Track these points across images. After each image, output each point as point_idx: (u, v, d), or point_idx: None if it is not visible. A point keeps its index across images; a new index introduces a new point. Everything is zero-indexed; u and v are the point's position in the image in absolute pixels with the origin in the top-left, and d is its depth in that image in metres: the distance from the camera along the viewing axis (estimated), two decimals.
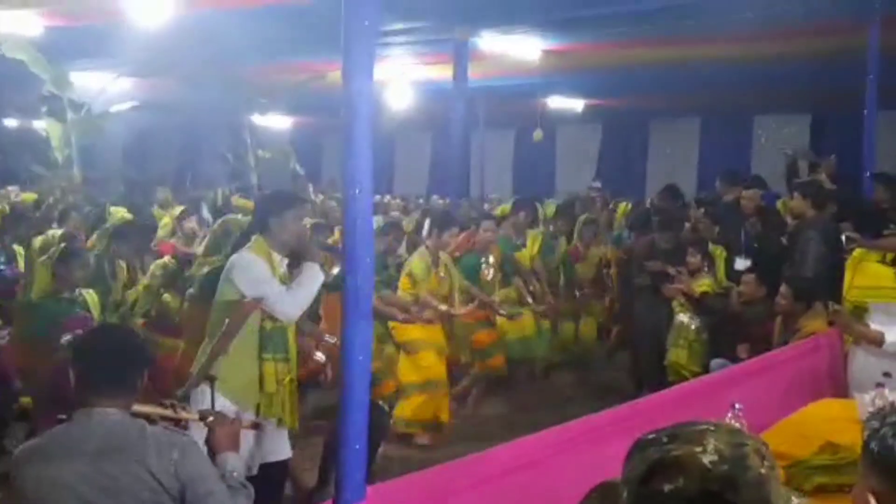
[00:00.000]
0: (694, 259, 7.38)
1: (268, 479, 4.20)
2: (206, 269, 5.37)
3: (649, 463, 1.51)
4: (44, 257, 5.75)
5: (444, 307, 6.86)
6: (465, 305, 7.19)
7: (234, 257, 4.45)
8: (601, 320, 9.34)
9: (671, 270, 7.33)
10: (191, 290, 5.45)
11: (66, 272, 5.48)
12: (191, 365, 4.47)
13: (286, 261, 4.51)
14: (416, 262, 6.92)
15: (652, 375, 7.79)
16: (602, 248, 9.27)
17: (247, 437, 4.10)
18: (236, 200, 9.60)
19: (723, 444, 1.50)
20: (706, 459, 1.47)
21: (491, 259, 7.70)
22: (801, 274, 6.58)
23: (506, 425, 7.38)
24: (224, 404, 4.03)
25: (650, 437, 1.57)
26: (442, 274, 7.04)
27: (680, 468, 1.47)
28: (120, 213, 7.64)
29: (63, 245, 5.78)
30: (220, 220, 6.42)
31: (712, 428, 1.54)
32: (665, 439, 1.53)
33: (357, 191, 2.69)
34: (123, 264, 6.62)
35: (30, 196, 8.95)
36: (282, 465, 4.52)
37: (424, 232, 7.42)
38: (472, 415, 7.84)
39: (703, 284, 7.26)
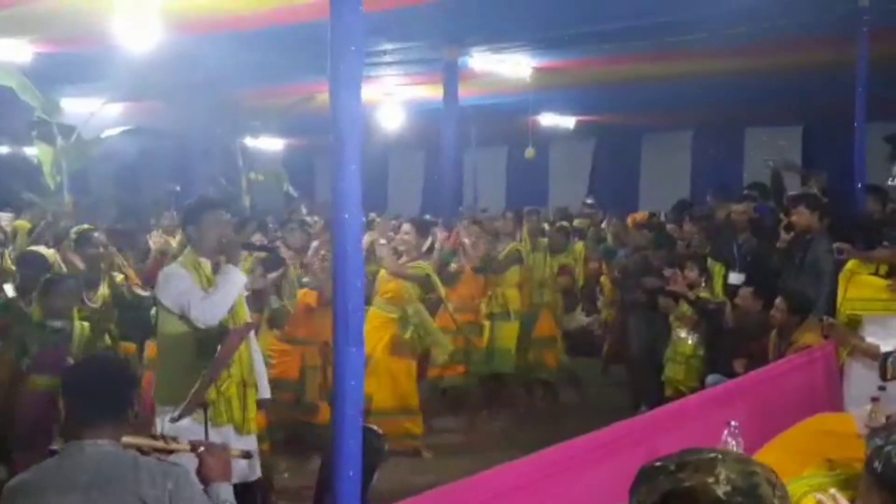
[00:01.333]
0: (692, 273, 7.39)
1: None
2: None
3: (661, 493, 1.49)
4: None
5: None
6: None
7: (160, 274, 4.50)
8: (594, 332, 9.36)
9: (666, 272, 7.34)
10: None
11: (49, 301, 5.47)
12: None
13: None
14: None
15: (649, 392, 7.79)
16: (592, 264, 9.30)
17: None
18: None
19: (734, 474, 1.49)
20: (720, 491, 1.46)
21: (465, 264, 7.82)
22: (818, 287, 6.54)
23: (504, 441, 7.40)
24: (183, 424, 4.04)
25: (657, 464, 1.54)
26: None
27: (693, 499, 1.46)
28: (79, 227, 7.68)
29: (48, 276, 5.75)
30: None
31: (720, 456, 1.53)
32: (673, 467, 1.51)
33: (346, 215, 2.69)
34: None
35: (24, 224, 8.91)
36: (249, 488, 4.49)
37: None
38: (468, 430, 7.84)
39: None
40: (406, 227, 7.37)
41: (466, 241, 7.80)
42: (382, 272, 7.12)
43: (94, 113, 12.03)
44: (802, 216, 6.99)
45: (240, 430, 4.47)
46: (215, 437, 4.00)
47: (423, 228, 7.52)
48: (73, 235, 7.24)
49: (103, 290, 6.56)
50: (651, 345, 7.74)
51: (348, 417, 2.69)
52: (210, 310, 4.32)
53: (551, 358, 8.67)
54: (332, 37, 2.61)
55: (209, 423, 4.15)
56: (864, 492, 1.81)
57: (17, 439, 5.21)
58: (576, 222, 12.08)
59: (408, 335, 6.96)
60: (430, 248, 7.61)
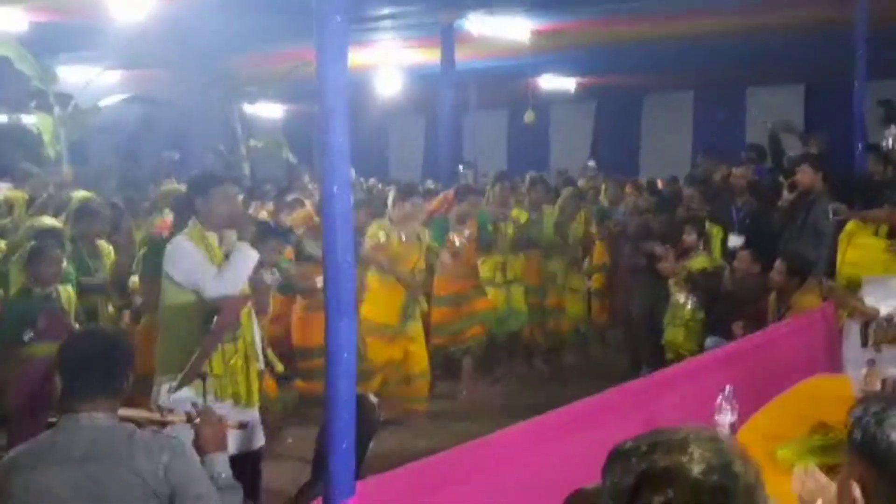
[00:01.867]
0: (690, 237, 7.39)
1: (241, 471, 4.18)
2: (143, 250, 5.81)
3: (636, 474, 1.49)
4: (16, 256, 5.79)
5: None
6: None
7: (168, 246, 4.46)
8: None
9: (658, 250, 7.34)
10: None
11: (37, 270, 5.50)
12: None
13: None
14: (372, 230, 7.03)
15: (650, 355, 7.82)
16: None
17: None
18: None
19: (709, 453, 1.49)
20: (695, 470, 1.47)
21: (466, 232, 7.74)
22: (818, 248, 6.53)
23: (504, 405, 7.45)
24: (183, 394, 4.08)
25: (628, 446, 1.55)
26: (404, 240, 7.12)
27: (669, 480, 1.46)
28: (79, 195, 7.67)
29: (33, 244, 5.78)
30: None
31: (692, 435, 1.53)
32: (645, 448, 1.52)
33: (336, 188, 2.67)
34: (108, 245, 6.72)
35: (20, 194, 8.88)
36: (254, 456, 4.52)
37: (389, 203, 7.44)
38: (467, 396, 7.88)
39: (698, 262, 7.27)
40: (414, 199, 7.34)
41: (456, 241, 7.73)
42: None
43: (91, 81, 11.99)
44: (806, 175, 6.95)
45: (242, 401, 4.51)
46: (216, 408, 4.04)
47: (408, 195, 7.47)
48: (74, 205, 7.24)
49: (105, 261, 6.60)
50: (651, 308, 7.75)
51: (341, 389, 2.69)
52: (224, 288, 4.35)
53: (564, 324, 8.69)
54: (317, 7, 2.58)
55: (213, 396, 4.19)
56: (847, 462, 1.83)
57: (17, 408, 5.26)
58: (580, 183, 12.00)
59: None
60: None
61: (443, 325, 7.72)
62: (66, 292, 5.73)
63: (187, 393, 4.08)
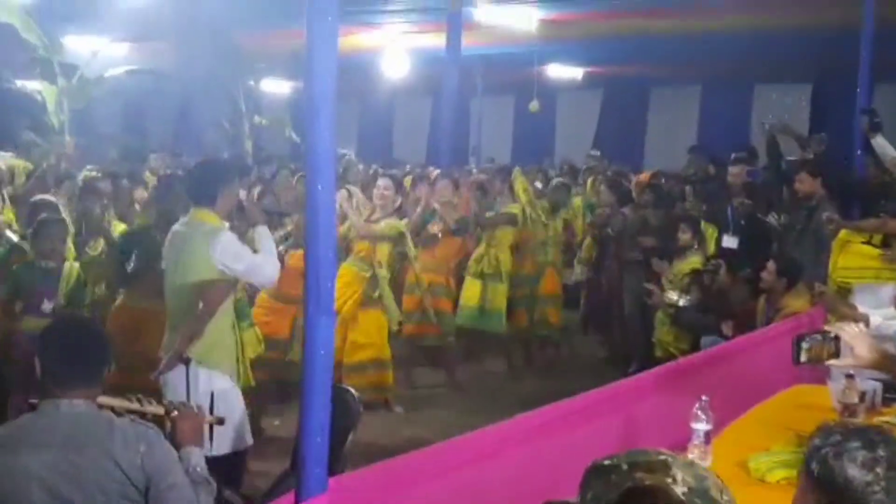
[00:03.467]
0: (685, 235, 7.40)
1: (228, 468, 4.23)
2: None
3: (621, 491, 1.53)
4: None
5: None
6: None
7: (217, 240, 4.34)
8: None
9: (654, 264, 7.38)
10: None
11: (39, 243, 5.52)
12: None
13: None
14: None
15: (641, 351, 7.85)
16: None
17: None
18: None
19: (689, 476, 1.55)
20: (678, 490, 1.51)
21: (438, 225, 7.74)
22: (818, 255, 6.52)
23: (483, 398, 7.49)
24: (210, 375, 4.14)
25: (606, 462, 1.59)
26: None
27: (654, 498, 1.51)
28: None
29: (41, 217, 5.79)
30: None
31: (671, 459, 1.57)
32: (626, 466, 1.56)
33: (320, 186, 2.69)
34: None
35: (20, 163, 8.91)
36: (242, 453, 4.56)
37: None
38: (446, 385, 7.91)
39: (692, 262, 7.28)
40: (384, 182, 7.28)
41: (436, 205, 7.69)
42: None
43: (97, 52, 11.97)
44: (805, 183, 6.93)
45: (240, 382, 4.61)
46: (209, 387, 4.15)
47: (398, 185, 7.50)
48: (79, 183, 7.27)
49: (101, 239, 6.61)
50: (643, 305, 7.77)
51: (317, 386, 2.72)
52: (272, 270, 4.51)
53: (554, 315, 8.66)
54: (309, 7, 2.59)
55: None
56: (800, 490, 1.85)
57: (16, 382, 5.29)
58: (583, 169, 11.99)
59: (376, 294, 7.00)
60: (401, 206, 7.60)
61: (411, 312, 7.73)
62: (71, 269, 5.69)
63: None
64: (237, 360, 4.59)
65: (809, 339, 2.71)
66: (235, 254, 4.35)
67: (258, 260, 4.43)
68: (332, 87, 2.63)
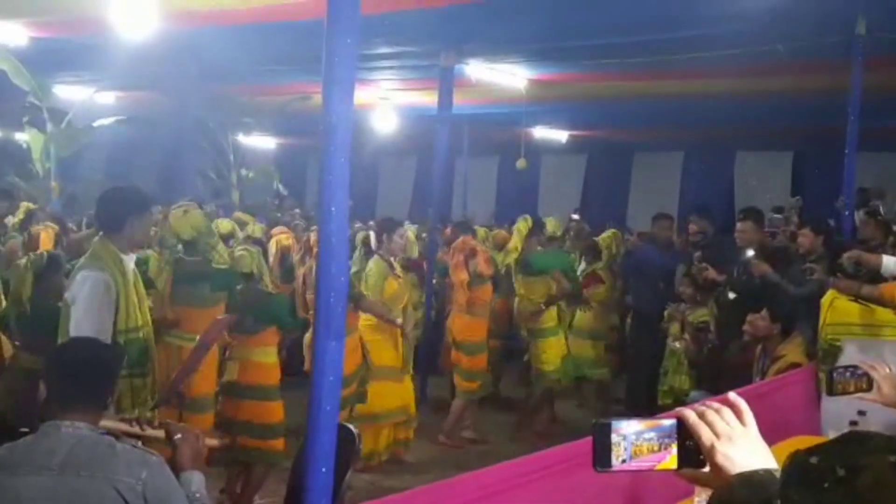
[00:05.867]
0: (688, 290, 7.43)
1: None
2: None
3: None
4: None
5: (399, 320, 6.91)
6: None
7: (79, 270, 4.09)
8: None
9: (670, 312, 7.41)
10: None
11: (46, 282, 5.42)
12: None
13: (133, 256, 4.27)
14: (373, 269, 6.90)
15: (641, 399, 7.83)
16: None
17: None
18: (238, 215, 9.50)
19: None
20: None
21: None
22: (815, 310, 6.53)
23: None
24: None
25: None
26: (399, 279, 7.08)
27: None
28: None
29: (49, 254, 5.70)
30: None
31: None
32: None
33: (333, 208, 2.67)
34: None
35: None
36: None
37: (373, 242, 7.37)
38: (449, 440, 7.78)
39: (700, 315, 7.30)
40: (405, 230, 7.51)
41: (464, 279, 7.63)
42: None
43: (87, 100, 12.00)
44: (807, 238, 6.99)
45: None
46: None
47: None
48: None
49: None
50: (650, 353, 7.80)
51: (324, 413, 2.67)
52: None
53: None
54: (329, 27, 2.60)
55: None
56: None
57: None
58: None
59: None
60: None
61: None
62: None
63: None
64: None
65: (841, 373, 2.76)
66: (76, 296, 4.00)
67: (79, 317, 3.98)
68: (349, 105, 2.64)
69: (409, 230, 9.38)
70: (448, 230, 8.92)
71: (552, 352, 7.86)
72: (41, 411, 2.68)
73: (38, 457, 2.56)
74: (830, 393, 2.76)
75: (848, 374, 2.70)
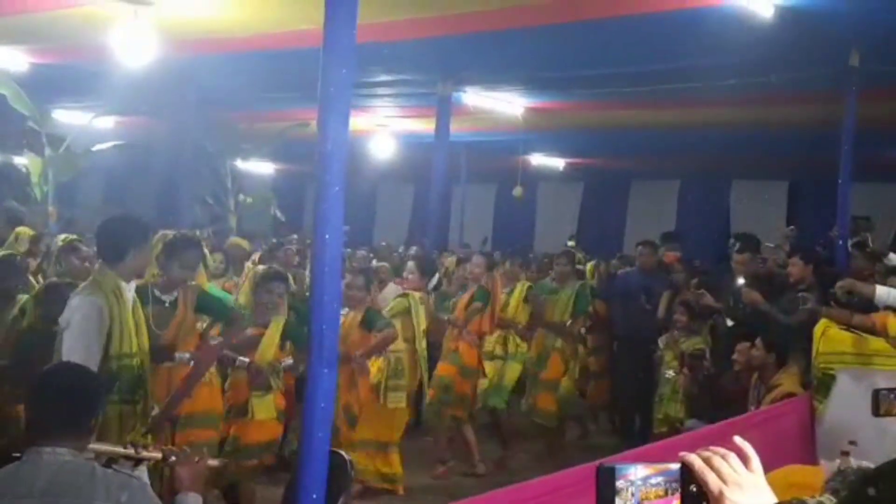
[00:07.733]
0: (682, 318, 7.43)
1: None
2: None
3: None
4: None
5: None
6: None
7: (76, 294, 4.12)
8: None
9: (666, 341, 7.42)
10: None
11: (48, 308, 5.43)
12: None
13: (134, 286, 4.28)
14: (399, 303, 7.18)
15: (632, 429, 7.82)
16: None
17: None
18: (235, 240, 9.50)
19: None
20: None
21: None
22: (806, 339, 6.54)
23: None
24: None
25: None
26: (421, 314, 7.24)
27: None
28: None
29: (49, 281, 5.72)
30: None
31: None
32: None
33: (327, 235, 2.69)
34: None
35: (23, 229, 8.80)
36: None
37: (408, 274, 7.55)
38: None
39: (694, 343, 7.30)
40: (477, 259, 7.69)
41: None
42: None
43: (86, 126, 12.04)
44: (796, 267, 6.99)
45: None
46: None
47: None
48: (59, 243, 7.20)
49: None
50: (636, 382, 7.78)
51: (316, 439, 2.67)
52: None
53: (550, 402, 8.08)
54: (325, 57, 2.63)
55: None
56: None
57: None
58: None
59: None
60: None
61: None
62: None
63: None
64: None
65: (885, 395, 2.80)
66: (69, 321, 4.00)
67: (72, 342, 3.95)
68: (345, 133, 2.66)
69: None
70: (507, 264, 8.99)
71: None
72: (23, 437, 2.67)
73: (20, 483, 2.54)
74: (876, 414, 2.79)
75: (892, 395, 2.72)
